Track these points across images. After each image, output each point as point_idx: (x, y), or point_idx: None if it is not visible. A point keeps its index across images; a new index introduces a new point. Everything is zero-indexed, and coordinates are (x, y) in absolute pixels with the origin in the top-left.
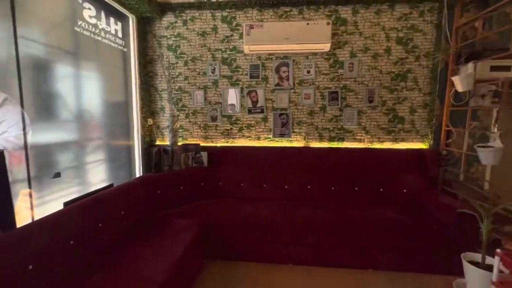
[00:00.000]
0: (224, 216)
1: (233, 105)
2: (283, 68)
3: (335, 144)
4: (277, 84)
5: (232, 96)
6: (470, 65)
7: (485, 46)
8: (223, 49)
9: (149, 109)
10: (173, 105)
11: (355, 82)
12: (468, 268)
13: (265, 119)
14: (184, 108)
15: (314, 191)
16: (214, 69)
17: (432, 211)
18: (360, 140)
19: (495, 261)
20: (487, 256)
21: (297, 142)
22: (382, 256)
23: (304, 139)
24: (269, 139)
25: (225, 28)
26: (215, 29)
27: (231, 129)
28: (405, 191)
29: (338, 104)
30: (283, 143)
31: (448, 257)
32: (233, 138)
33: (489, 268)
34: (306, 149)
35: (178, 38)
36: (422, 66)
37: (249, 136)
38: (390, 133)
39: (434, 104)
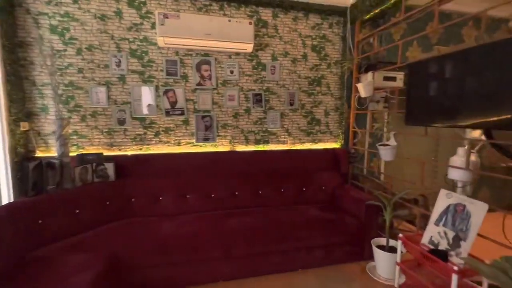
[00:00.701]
0: (138, 240)
1: (149, 105)
2: (205, 67)
3: (261, 147)
4: (199, 84)
5: (146, 96)
6: (369, 74)
7: (378, 59)
8: (131, 39)
9: (22, 109)
10: (60, 104)
11: (277, 85)
12: (376, 252)
13: (186, 122)
14: (78, 109)
15: (243, 197)
16: (120, 61)
17: (346, 205)
18: (283, 142)
19: (398, 244)
20: (390, 239)
21: (222, 146)
22: (309, 255)
23: (230, 143)
24: (191, 144)
25: (132, 14)
26: (118, 13)
27: (145, 134)
28: (324, 188)
29: (262, 107)
30: (208, 148)
31: (362, 245)
32: (148, 144)
33: (393, 249)
34: (232, 153)
35: (66, 19)
36: (333, 73)
37: (168, 142)
38: (309, 135)
39: (343, 108)
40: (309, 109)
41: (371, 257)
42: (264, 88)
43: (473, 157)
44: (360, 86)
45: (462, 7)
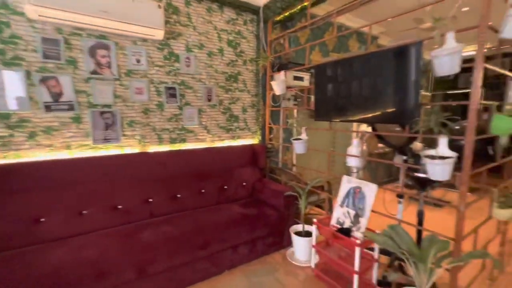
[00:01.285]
0: (11, 281)
1: (18, 98)
2: (101, 52)
3: (177, 146)
4: (94, 72)
5: (11, 84)
6: (282, 73)
7: (289, 60)
8: None
9: None
10: None
11: (193, 79)
12: (294, 239)
13: (77, 120)
14: None
15: (158, 203)
16: None
17: (266, 198)
18: (202, 140)
19: (313, 229)
20: (305, 225)
21: (130, 147)
22: (235, 254)
23: (140, 143)
24: (88, 147)
25: None
26: None
27: (12, 136)
28: (245, 184)
29: (177, 102)
30: (111, 149)
31: (282, 234)
32: (18, 150)
33: (308, 233)
34: (143, 155)
35: None
36: (249, 70)
37: (51, 145)
38: (228, 131)
39: (260, 105)
40: (227, 106)
41: (290, 244)
42: (179, 81)
43: (364, 147)
44: (274, 84)
45: (348, 22)
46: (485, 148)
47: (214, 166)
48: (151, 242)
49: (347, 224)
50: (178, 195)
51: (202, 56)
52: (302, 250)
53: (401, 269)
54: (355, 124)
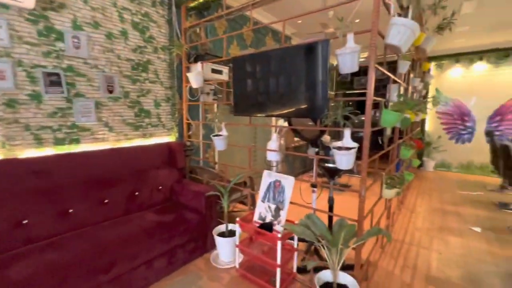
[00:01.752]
0: None
1: None
2: None
3: (66, 149)
4: None
5: None
6: (199, 65)
7: (206, 51)
8: None
9: None
10: None
11: (87, 64)
12: (217, 241)
13: None
14: None
15: (38, 225)
16: None
17: (187, 200)
18: (103, 140)
19: (236, 228)
20: (229, 224)
21: None
22: (150, 270)
23: (4, 147)
24: None
25: None
26: None
27: None
28: (161, 188)
29: (63, 92)
30: None
31: (205, 238)
32: None
33: (232, 232)
34: (9, 163)
35: None
36: (161, 59)
37: None
38: (138, 129)
39: (175, 99)
40: (135, 99)
41: (215, 247)
42: (64, 66)
43: (282, 141)
44: (190, 76)
45: (264, 19)
46: (376, 138)
47: (121, 170)
48: (22, 280)
49: (268, 218)
50: (70, 210)
51: (98, 37)
52: (226, 251)
53: (317, 253)
54: (274, 119)
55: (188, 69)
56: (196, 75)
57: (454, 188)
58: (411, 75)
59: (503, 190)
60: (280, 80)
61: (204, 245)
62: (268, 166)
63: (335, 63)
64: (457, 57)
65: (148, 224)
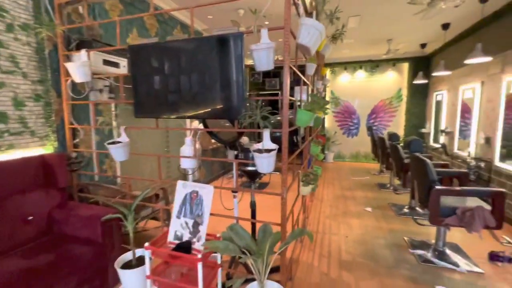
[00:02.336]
0: None
1: None
2: None
3: None
4: None
5: None
6: (83, 53)
7: (93, 37)
8: None
9: None
10: None
11: None
12: (121, 274)
13: None
14: None
15: None
16: None
17: (75, 229)
18: None
19: (145, 256)
20: (137, 250)
21: None
22: None
23: None
24: None
25: None
26: None
27: None
28: (32, 218)
29: None
30: None
31: (104, 273)
32: None
33: (143, 260)
34: None
35: None
36: (21, 41)
37: None
38: None
39: (50, 96)
40: None
41: (118, 282)
42: None
43: (197, 145)
44: (71, 67)
45: (170, 8)
46: (291, 138)
47: None
48: None
49: (186, 236)
50: None
51: None
52: (134, 285)
53: (243, 264)
54: (188, 120)
55: (67, 58)
56: (79, 67)
57: (349, 175)
58: (315, 78)
59: (382, 174)
60: (193, 78)
61: (103, 283)
62: (183, 175)
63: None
64: (345, 65)
65: (6, 277)
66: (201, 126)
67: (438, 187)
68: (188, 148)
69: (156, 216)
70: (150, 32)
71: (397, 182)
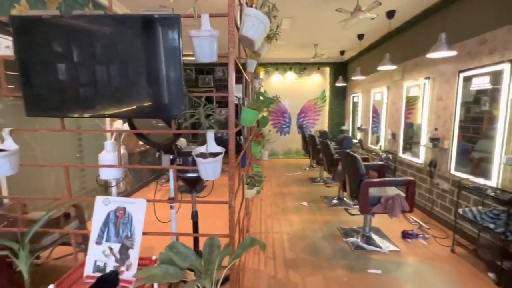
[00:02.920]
0: None
1: None
2: None
3: None
4: None
5: None
6: None
7: None
8: None
9: None
10: None
11: None
12: None
13: None
14: None
15: None
16: None
17: None
18: None
19: None
20: None
21: None
22: None
23: None
24: None
25: None
26: None
27: None
28: None
29: None
30: None
31: None
32: None
33: None
34: None
35: None
36: None
37: None
38: None
39: None
40: None
41: None
42: None
43: (122, 150)
44: None
45: None
46: (236, 138)
47: None
48: None
49: (111, 266)
50: None
51: None
52: None
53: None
54: (107, 120)
55: None
56: None
57: (284, 171)
58: (253, 77)
59: (312, 168)
60: (113, 69)
61: None
62: (104, 188)
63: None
64: (277, 66)
65: None
66: (126, 127)
67: (367, 180)
68: (109, 154)
69: (67, 241)
70: (48, 5)
71: (326, 175)
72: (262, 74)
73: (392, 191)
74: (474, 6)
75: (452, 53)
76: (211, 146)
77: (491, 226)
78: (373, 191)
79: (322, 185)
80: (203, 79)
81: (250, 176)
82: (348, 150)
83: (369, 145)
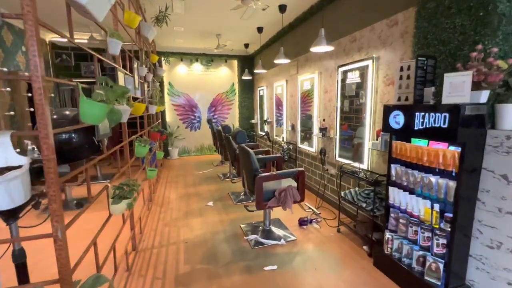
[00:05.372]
0: None
1: None
2: None
3: None
4: None
5: None
6: None
7: None
8: None
9: None
10: None
11: None
12: None
13: None
14: None
15: None
16: None
17: None
18: None
19: None
20: None
21: None
22: None
23: None
24: None
25: None
26: None
27: None
28: None
29: None
30: None
31: None
32: None
33: None
34: None
35: None
36: None
37: None
38: None
39: None
40: None
41: None
42: None
43: None
44: None
45: None
46: (91, 139)
47: None
48: None
49: None
50: None
51: None
52: None
53: None
54: None
55: None
56: None
57: (193, 170)
58: (137, 64)
59: (223, 164)
60: None
61: None
62: None
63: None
64: (181, 56)
65: None
66: None
67: (261, 174)
68: None
69: None
70: None
71: (234, 171)
72: (164, 65)
73: (287, 182)
74: (345, 7)
75: (331, 48)
76: (8, 156)
77: (363, 205)
78: (269, 185)
79: (230, 180)
80: (87, 67)
81: (118, 186)
82: (243, 145)
83: (275, 137)
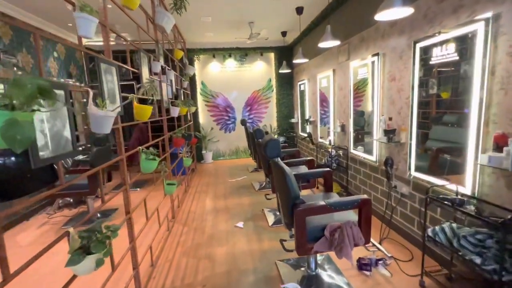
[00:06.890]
0: None
1: None
2: None
3: None
4: None
5: None
6: None
7: None
8: None
9: None
10: None
11: None
12: None
13: None
14: None
15: None
16: None
17: None
18: None
19: None
20: None
21: None
22: None
23: None
24: None
25: None
26: None
27: None
28: None
29: None
30: None
31: None
32: None
33: None
34: None
35: None
36: None
37: None
38: None
39: None
40: None
41: None
42: None
43: None
44: None
45: None
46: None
47: None
48: None
49: None
50: None
51: None
52: None
53: None
54: None
55: None
56: None
57: (226, 176)
58: (144, 58)
59: (259, 170)
60: None
61: None
62: None
63: None
64: (213, 52)
65: None
66: None
67: (302, 205)
68: None
69: None
70: None
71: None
72: (196, 64)
73: (344, 215)
74: None
75: (408, 11)
76: None
77: (478, 260)
78: (316, 218)
79: (268, 191)
80: (119, 70)
81: (84, 232)
82: (277, 160)
83: (320, 139)
